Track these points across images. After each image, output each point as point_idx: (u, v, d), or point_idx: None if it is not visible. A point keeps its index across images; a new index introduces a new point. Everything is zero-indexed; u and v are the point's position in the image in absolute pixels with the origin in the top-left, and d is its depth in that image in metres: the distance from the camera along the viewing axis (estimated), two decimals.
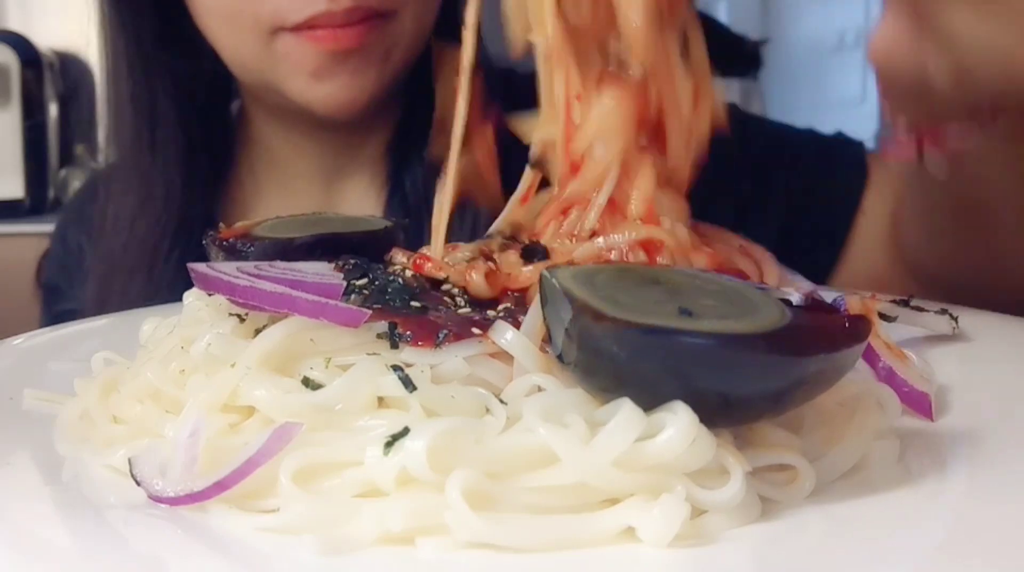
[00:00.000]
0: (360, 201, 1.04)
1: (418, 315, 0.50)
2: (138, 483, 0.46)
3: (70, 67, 2.26)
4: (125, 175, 1.05)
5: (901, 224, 0.91)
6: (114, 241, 1.03)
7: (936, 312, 0.66)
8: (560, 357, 0.45)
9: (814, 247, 0.97)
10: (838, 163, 0.99)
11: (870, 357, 0.57)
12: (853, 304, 0.61)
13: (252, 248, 0.63)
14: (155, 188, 1.02)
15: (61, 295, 1.11)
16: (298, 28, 0.88)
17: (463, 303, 0.55)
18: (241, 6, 0.89)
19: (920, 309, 0.66)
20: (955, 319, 0.66)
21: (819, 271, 0.96)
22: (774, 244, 0.97)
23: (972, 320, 0.67)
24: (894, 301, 0.66)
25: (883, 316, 0.63)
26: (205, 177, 1.05)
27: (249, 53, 0.93)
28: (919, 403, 0.56)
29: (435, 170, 0.95)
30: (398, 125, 1.03)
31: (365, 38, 0.89)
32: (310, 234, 0.64)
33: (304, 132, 1.03)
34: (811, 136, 1.07)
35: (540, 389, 0.46)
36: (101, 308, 1.00)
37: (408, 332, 0.49)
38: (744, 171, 0.99)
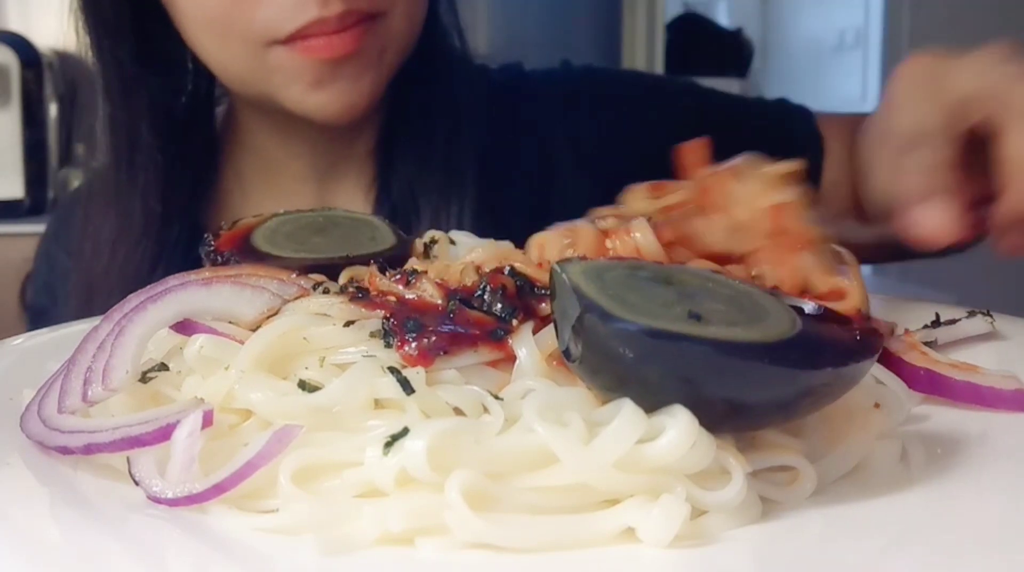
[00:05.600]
0: (351, 201, 1.03)
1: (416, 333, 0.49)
2: (137, 483, 0.46)
3: (70, 67, 2.26)
4: (103, 199, 1.03)
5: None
6: (95, 264, 1.01)
7: (966, 317, 0.66)
8: (566, 352, 0.45)
9: None
10: (795, 131, 1.02)
11: (945, 385, 0.56)
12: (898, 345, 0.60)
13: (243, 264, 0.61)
14: (134, 213, 1.00)
15: (47, 315, 1.08)
16: (291, 39, 0.86)
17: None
18: (231, 20, 0.87)
19: (952, 321, 0.66)
20: (987, 313, 0.66)
21: None
22: None
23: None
24: (925, 326, 0.65)
25: (928, 344, 0.62)
26: (187, 194, 1.03)
27: (242, 67, 0.91)
28: (1020, 401, 0.55)
29: (422, 169, 0.95)
30: (383, 124, 1.02)
31: (360, 42, 0.87)
32: (304, 257, 0.62)
33: (296, 133, 1.02)
34: (763, 106, 1.09)
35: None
36: None
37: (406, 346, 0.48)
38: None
